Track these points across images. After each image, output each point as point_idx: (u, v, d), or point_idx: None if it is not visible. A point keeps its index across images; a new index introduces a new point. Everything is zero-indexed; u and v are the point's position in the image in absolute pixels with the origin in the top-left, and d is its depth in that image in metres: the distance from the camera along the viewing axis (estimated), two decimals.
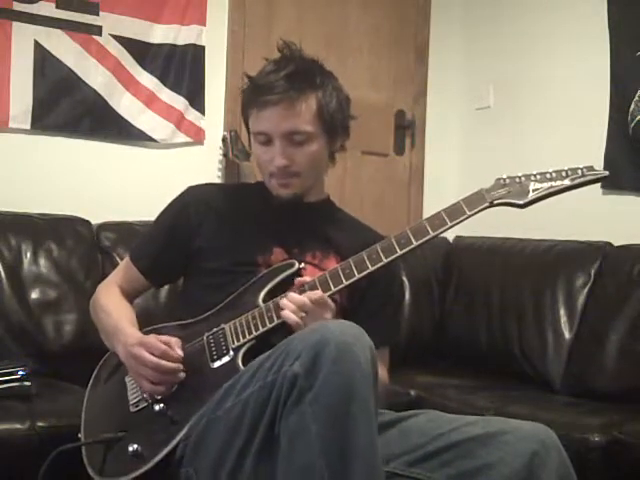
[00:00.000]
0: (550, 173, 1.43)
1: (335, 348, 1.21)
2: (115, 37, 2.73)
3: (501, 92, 3.30)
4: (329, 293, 1.48)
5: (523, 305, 2.58)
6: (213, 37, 2.95)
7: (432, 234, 1.45)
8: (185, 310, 1.66)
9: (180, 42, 2.86)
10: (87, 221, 2.48)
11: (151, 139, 2.82)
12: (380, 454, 1.22)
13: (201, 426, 1.38)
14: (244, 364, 1.46)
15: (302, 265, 1.58)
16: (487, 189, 1.46)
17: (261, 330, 1.49)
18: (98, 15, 2.69)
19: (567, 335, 2.45)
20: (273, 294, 1.53)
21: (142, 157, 2.83)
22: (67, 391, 1.98)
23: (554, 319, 2.49)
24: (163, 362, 1.48)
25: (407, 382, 2.36)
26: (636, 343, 2.26)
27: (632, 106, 2.70)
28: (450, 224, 1.45)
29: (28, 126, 2.60)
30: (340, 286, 1.48)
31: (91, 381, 1.70)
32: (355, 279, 1.47)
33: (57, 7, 2.62)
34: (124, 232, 2.47)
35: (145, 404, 1.53)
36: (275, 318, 1.48)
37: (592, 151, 2.80)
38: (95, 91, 2.70)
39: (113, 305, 1.72)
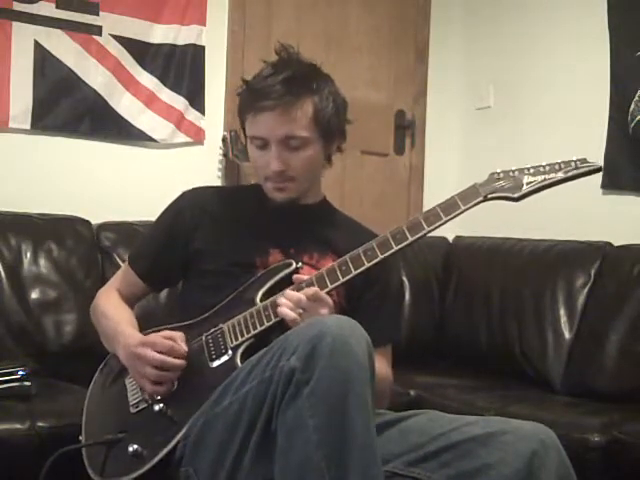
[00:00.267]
0: (544, 166, 1.44)
1: (332, 342, 1.21)
2: (115, 37, 2.73)
3: (501, 92, 3.30)
4: (326, 290, 1.48)
5: (523, 305, 2.58)
6: (213, 37, 2.95)
7: (427, 229, 1.46)
8: (184, 312, 1.66)
9: (180, 42, 2.86)
10: (87, 221, 2.48)
11: (151, 139, 2.82)
12: (378, 447, 1.23)
13: (200, 425, 1.39)
14: (243, 363, 1.46)
15: (299, 264, 1.58)
16: (481, 183, 1.47)
17: (259, 329, 1.49)
18: (98, 15, 2.69)
19: (567, 335, 2.45)
20: (271, 294, 1.54)
21: (142, 157, 2.84)
22: (67, 391, 1.98)
23: (554, 319, 2.49)
24: (169, 359, 1.48)
25: (407, 382, 2.35)
26: (636, 343, 2.26)
27: (632, 106, 2.70)
28: (445, 219, 1.45)
29: (28, 126, 2.60)
30: (337, 282, 1.48)
31: (92, 384, 1.70)
32: (352, 275, 1.48)
33: (57, 7, 2.62)
34: (124, 232, 2.47)
35: (145, 405, 1.53)
36: (272, 316, 1.49)
37: (592, 151, 2.78)
38: (95, 91, 2.70)
39: (112, 309, 1.72)
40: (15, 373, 1.88)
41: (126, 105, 2.76)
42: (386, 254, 1.47)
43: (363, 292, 1.65)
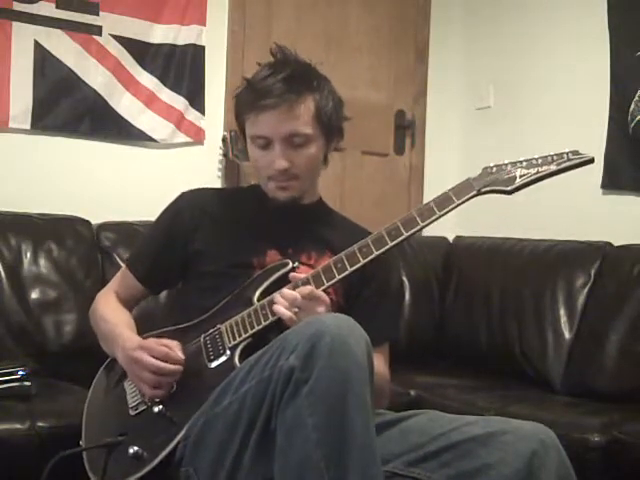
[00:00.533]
0: (536, 159, 1.45)
1: (330, 340, 1.21)
2: (115, 37, 2.73)
3: (501, 92, 3.30)
4: (322, 287, 1.49)
5: (523, 305, 2.58)
6: (213, 37, 2.95)
7: (422, 224, 1.46)
8: (182, 314, 1.66)
9: (180, 42, 2.86)
10: (87, 221, 2.48)
11: (151, 139, 2.82)
12: (377, 446, 1.23)
13: (200, 425, 1.39)
14: (241, 363, 1.46)
15: (296, 264, 1.58)
16: (474, 178, 1.47)
17: (256, 328, 1.50)
18: (98, 15, 2.70)
19: (567, 335, 2.45)
20: (268, 293, 1.54)
21: (142, 157, 2.84)
22: (67, 391, 1.98)
23: (554, 319, 2.49)
24: (164, 364, 1.48)
25: (407, 382, 2.36)
26: (636, 343, 2.26)
27: (632, 106, 2.70)
28: (439, 213, 1.45)
29: (28, 126, 2.60)
30: (333, 280, 1.49)
31: (91, 388, 1.70)
32: (348, 272, 1.48)
33: (57, 7, 2.62)
34: (124, 232, 2.47)
35: (144, 407, 1.53)
36: (270, 315, 1.49)
37: (592, 151, 2.77)
38: (95, 91, 2.70)
39: (111, 312, 1.73)
40: (15, 373, 1.87)
41: (126, 105, 2.76)
42: (381, 250, 1.47)
43: (361, 290, 1.65)
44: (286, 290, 1.48)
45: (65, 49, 2.64)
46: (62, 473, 1.46)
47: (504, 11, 3.30)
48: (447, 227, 2.86)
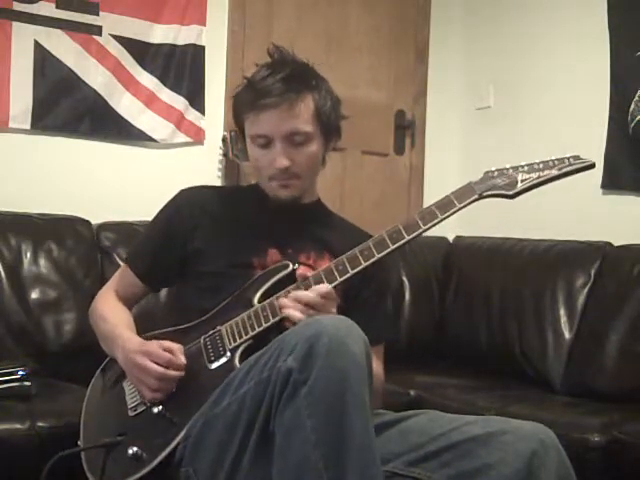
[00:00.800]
0: (537, 163, 1.46)
1: (329, 341, 1.21)
2: (115, 37, 2.73)
3: (501, 92, 3.30)
4: None
5: (523, 305, 2.58)
6: (213, 37, 2.95)
7: (423, 228, 1.46)
8: (181, 314, 1.66)
9: (180, 42, 2.86)
10: (87, 221, 2.48)
11: (151, 139, 2.82)
12: (377, 447, 1.23)
13: (199, 426, 1.39)
14: (241, 364, 1.45)
15: (296, 266, 1.58)
16: (476, 182, 1.48)
17: (257, 330, 1.49)
18: (98, 15, 2.69)
19: (567, 335, 2.45)
20: (268, 295, 1.54)
21: (142, 157, 2.83)
22: (67, 391, 1.98)
23: (554, 319, 2.49)
24: (167, 371, 1.48)
25: (407, 382, 2.36)
26: (636, 343, 2.26)
27: (632, 106, 2.70)
28: (441, 217, 1.46)
29: (28, 126, 2.60)
30: (334, 282, 1.48)
31: (89, 388, 1.70)
32: (349, 275, 1.48)
33: (57, 7, 2.62)
34: (124, 232, 2.46)
35: (144, 407, 1.53)
36: (271, 317, 1.49)
37: (592, 151, 2.79)
38: (95, 91, 2.70)
39: (110, 311, 1.72)
40: (15, 373, 1.87)
41: (126, 105, 2.76)
42: (383, 253, 1.47)
43: (360, 290, 1.65)
44: (300, 292, 1.46)
45: (65, 49, 2.64)
46: (61, 473, 1.46)
47: (504, 11, 3.30)
48: (447, 227, 2.84)
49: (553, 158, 1.45)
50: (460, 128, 3.50)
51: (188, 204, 1.71)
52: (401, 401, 2.23)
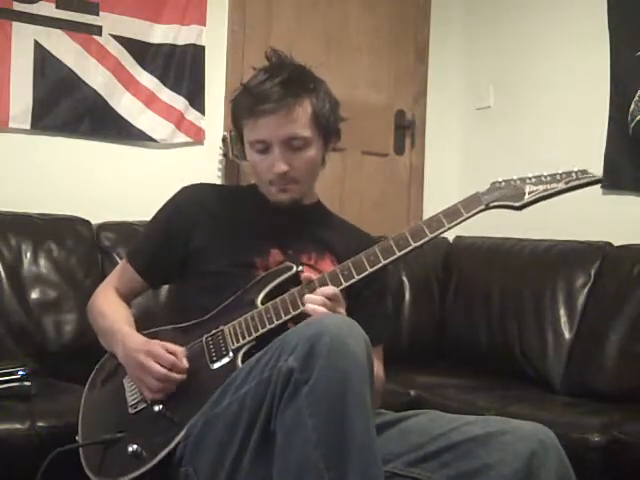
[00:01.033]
0: (545, 176, 1.46)
1: (330, 341, 1.21)
2: (115, 37, 2.73)
3: (501, 92, 3.30)
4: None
5: (523, 305, 2.58)
6: (213, 37, 2.95)
7: (430, 236, 1.47)
8: (182, 313, 1.66)
9: (180, 42, 2.86)
10: (87, 221, 2.48)
11: (151, 139, 2.82)
12: (378, 447, 1.22)
13: (200, 425, 1.39)
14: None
15: (300, 268, 1.58)
16: (483, 192, 1.48)
17: (260, 331, 1.49)
18: (98, 15, 2.70)
19: (567, 335, 2.45)
20: (271, 297, 1.54)
21: (142, 157, 2.84)
22: (67, 391, 1.97)
23: (554, 319, 2.49)
24: (170, 374, 1.48)
25: (407, 382, 2.36)
26: (636, 343, 2.26)
27: (632, 106, 2.70)
28: (448, 226, 1.46)
29: (28, 126, 2.60)
30: (340, 287, 1.48)
31: (88, 383, 1.70)
32: (354, 280, 1.48)
33: (57, 7, 2.62)
34: (124, 232, 2.47)
35: (144, 405, 1.53)
36: (275, 319, 1.49)
37: (592, 151, 2.80)
38: (95, 91, 2.70)
39: (109, 307, 1.72)
40: (15, 373, 1.87)
41: (126, 105, 2.76)
42: (389, 260, 1.48)
43: (361, 290, 1.65)
44: (312, 296, 1.45)
45: (65, 49, 2.64)
46: (59, 470, 1.46)
47: (504, 11, 3.30)
48: None
49: (560, 171, 1.46)
50: (460, 128, 3.50)
51: (189, 202, 1.71)
52: (401, 401, 2.23)
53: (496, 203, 1.46)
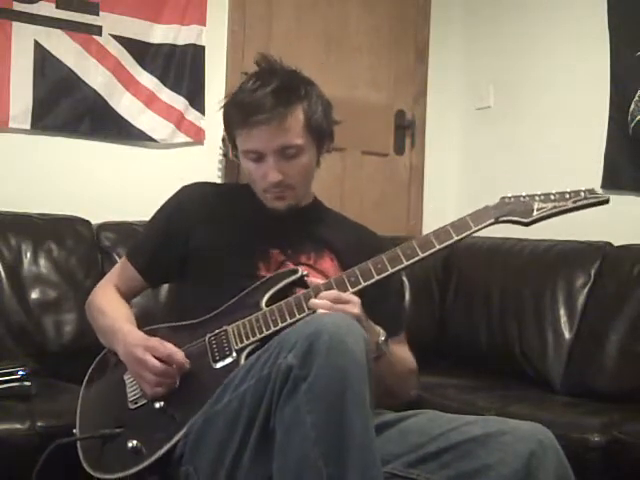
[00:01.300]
0: (554, 194, 1.49)
1: (329, 339, 1.22)
2: (115, 37, 2.73)
3: (501, 92, 3.30)
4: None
5: (523, 305, 2.58)
6: (213, 37, 2.95)
7: (438, 247, 1.48)
8: (184, 313, 1.66)
9: (180, 42, 2.86)
10: (87, 221, 2.48)
11: (151, 139, 2.83)
12: (377, 446, 1.23)
13: (200, 423, 1.39)
14: None
15: (306, 272, 1.58)
16: (493, 206, 1.50)
17: (265, 333, 1.49)
18: (98, 15, 2.70)
19: (567, 335, 2.45)
20: (275, 299, 1.54)
21: (142, 157, 2.84)
22: (67, 391, 1.97)
23: (554, 319, 2.48)
24: (168, 368, 1.49)
25: None
26: (636, 343, 2.26)
27: (632, 106, 2.70)
28: (456, 238, 1.48)
29: (28, 126, 2.61)
30: (346, 293, 1.49)
31: (86, 379, 1.70)
32: (360, 287, 1.49)
33: (57, 7, 2.62)
34: (124, 232, 2.47)
35: (145, 401, 1.53)
36: (279, 321, 1.49)
37: (592, 151, 2.80)
38: (95, 91, 2.70)
39: (109, 305, 1.72)
40: (15, 373, 1.88)
41: (126, 105, 2.76)
42: (396, 269, 1.49)
43: (364, 289, 1.65)
44: (317, 301, 1.46)
45: (65, 49, 2.64)
46: (58, 463, 1.47)
47: (504, 11, 3.30)
48: None
49: (569, 190, 1.48)
50: (460, 128, 3.50)
51: (189, 201, 1.72)
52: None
53: (505, 218, 1.48)
